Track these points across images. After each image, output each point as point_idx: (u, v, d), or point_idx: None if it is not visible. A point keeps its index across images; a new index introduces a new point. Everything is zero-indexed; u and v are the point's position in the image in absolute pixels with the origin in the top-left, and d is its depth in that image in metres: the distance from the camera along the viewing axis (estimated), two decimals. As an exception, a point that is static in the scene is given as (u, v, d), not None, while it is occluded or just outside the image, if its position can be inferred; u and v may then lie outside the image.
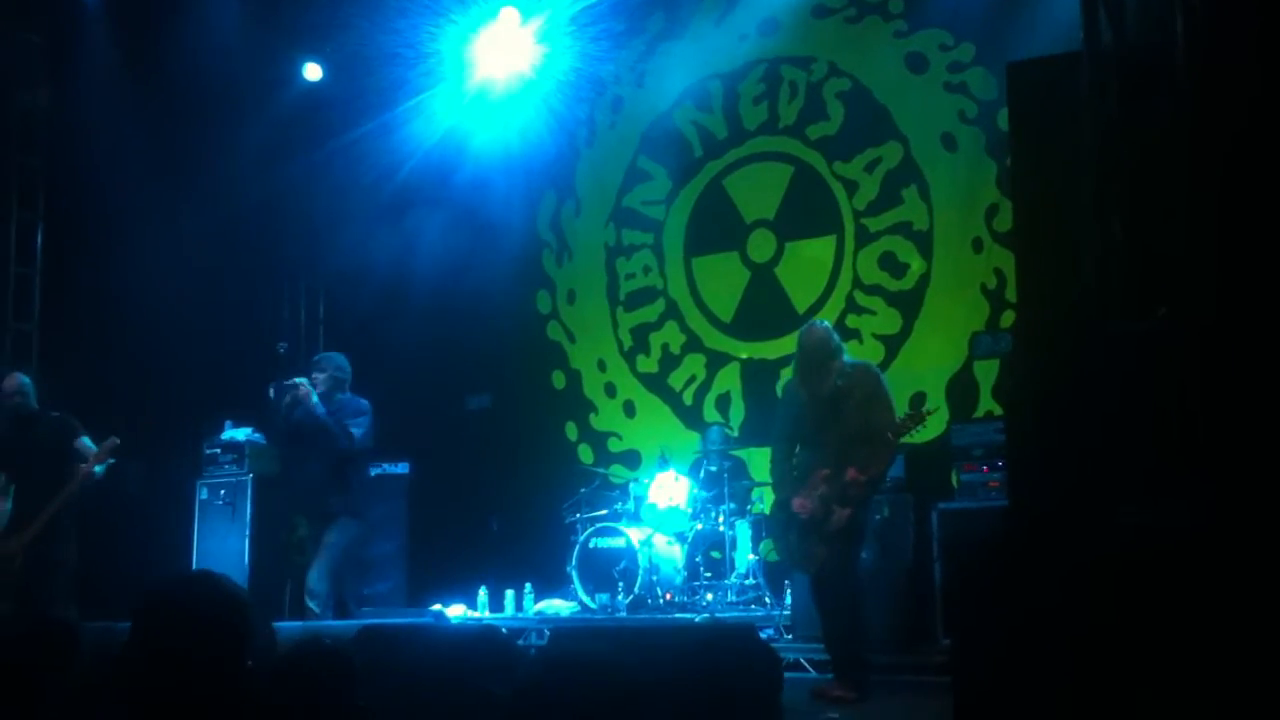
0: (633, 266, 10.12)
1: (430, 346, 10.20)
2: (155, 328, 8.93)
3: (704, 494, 8.42)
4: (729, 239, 9.60)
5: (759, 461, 8.57)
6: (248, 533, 8.66)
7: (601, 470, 9.49)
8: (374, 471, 9.28)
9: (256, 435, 8.93)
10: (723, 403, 9.53)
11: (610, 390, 10.12)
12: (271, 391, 7.01)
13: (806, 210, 9.27)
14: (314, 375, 7.09)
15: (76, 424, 7.12)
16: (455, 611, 8.55)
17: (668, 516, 8.36)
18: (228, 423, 9.06)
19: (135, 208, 8.88)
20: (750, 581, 8.20)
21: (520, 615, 8.56)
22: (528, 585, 8.79)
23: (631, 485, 8.80)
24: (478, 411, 10.52)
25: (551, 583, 8.80)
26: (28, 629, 2.94)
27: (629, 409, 10.01)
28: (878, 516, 6.93)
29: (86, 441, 7.03)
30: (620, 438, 10.00)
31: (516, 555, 9.39)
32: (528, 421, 10.32)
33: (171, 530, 8.90)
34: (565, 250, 10.48)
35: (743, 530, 8.33)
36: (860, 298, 8.98)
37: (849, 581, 5.73)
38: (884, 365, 8.12)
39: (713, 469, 8.53)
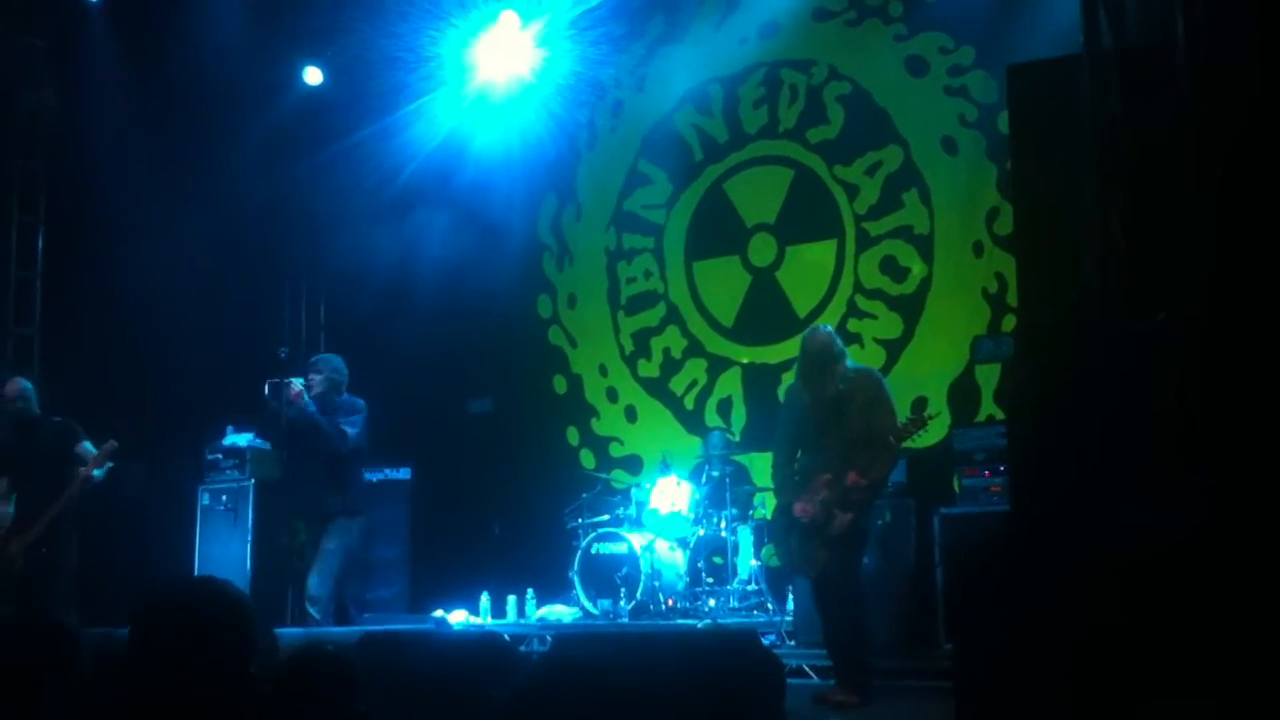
0: (634, 271, 10.11)
1: (431, 351, 10.20)
2: (156, 332, 8.94)
3: (706, 499, 8.41)
4: (730, 243, 9.60)
5: (761, 466, 8.56)
6: (249, 538, 8.65)
7: (603, 475, 9.49)
8: (376, 477, 9.29)
9: (258, 441, 8.93)
10: (724, 407, 9.52)
11: (612, 395, 10.11)
12: (266, 390, 7.01)
13: (807, 214, 9.26)
14: (310, 377, 7.09)
15: (78, 428, 7.14)
16: (457, 617, 8.54)
17: (669, 522, 8.35)
18: (229, 428, 9.06)
19: (136, 212, 8.89)
20: (752, 587, 8.19)
21: (522, 621, 8.55)
22: (530, 591, 8.79)
23: (633, 490, 8.79)
24: (479, 416, 10.51)
25: (553, 588, 8.79)
26: (29, 631, 2.94)
27: (630, 414, 10.00)
28: (880, 521, 6.93)
29: (88, 445, 7.05)
30: (622, 442, 9.99)
31: (518, 561, 9.39)
32: (529, 426, 10.31)
33: (173, 535, 8.89)
34: (566, 254, 10.48)
35: (745, 535, 8.32)
36: (861, 302, 8.98)
37: (851, 586, 5.72)
38: (885, 369, 8.12)
39: (714, 474, 8.53)
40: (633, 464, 9.81)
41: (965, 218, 8.51)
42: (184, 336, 9.01)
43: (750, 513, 8.45)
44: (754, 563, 8.23)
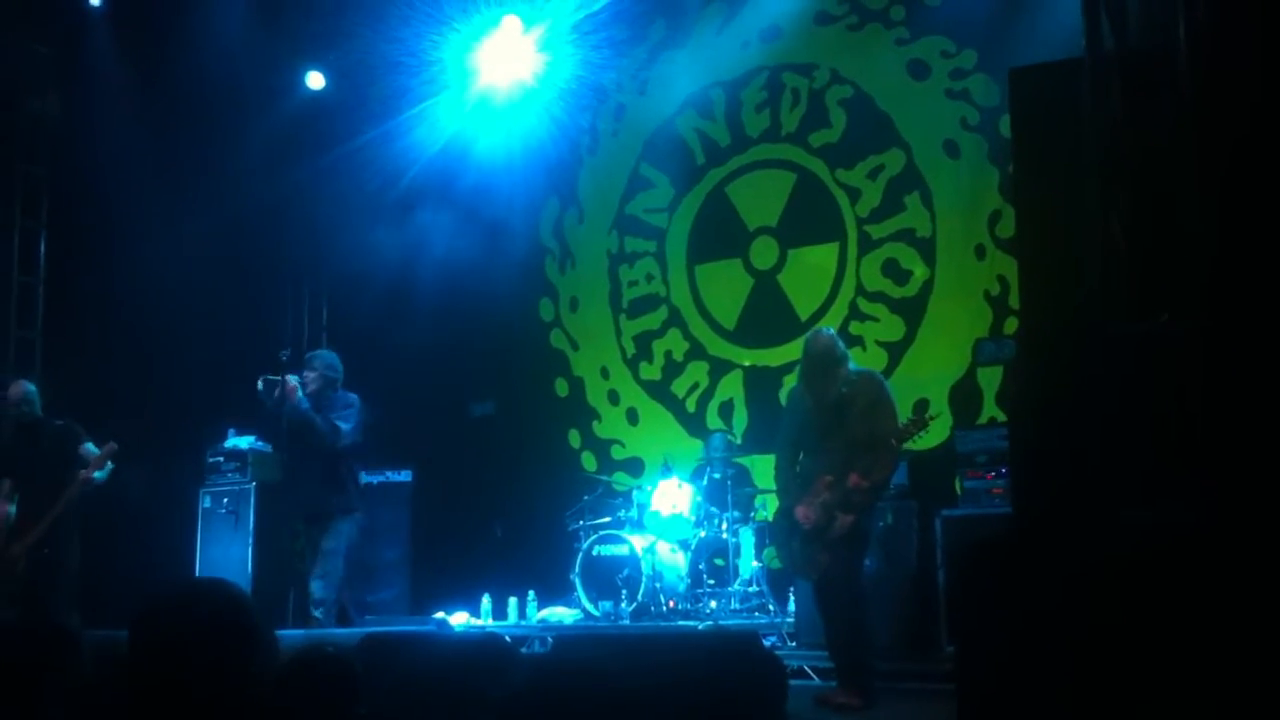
0: (635, 274, 10.12)
1: (433, 353, 10.21)
2: (158, 335, 8.95)
3: (707, 501, 8.41)
4: (732, 246, 9.61)
5: (762, 468, 8.57)
6: (251, 541, 8.66)
7: (605, 477, 9.50)
8: (377, 479, 9.31)
9: (260, 443, 8.94)
10: (726, 410, 9.52)
11: (613, 397, 10.11)
12: (260, 385, 7.01)
13: (809, 217, 9.27)
14: (305, 373, 7.09)
15: (80, 431, 7.15)
16: (459, 619, 8.55)
17: (671, 524, 8.35)
18: (231, 430, 9.07)
19: (139, 216, 8.90)
20: (754, 589, 8.20)
21: (523, 623, 8.56)
22: (531, 593, 8.79)
23: (635, 492, 8.80)
24: (481, 419, 10.52)
25: (555, 590, 8.79)
26: (31, 632, 2.94)
27: (632, 416, 10.01)
28: (881, 523, 6.92)
29: (90, 447, 7.06)
30: (623, 445, 10.00)
31: (520, 563, 9.39)
32: (531, 429, 10.32)
33: (174, 537, 8.90)
34: (568, 257, 10.49)
35: (746, 537, 8.32)
36: (863, 305, 8.98)
37: (852, 588, 5.72)
38: (887, 372, 8.11)
39: (716, 476, 8.53)
40: (634, 466, 9.82)
41: (967, 221, 8.52)
42: (185, 339, 9.02)
43: (751, 515, 8.45)
44: (755, 564, 8.23)
